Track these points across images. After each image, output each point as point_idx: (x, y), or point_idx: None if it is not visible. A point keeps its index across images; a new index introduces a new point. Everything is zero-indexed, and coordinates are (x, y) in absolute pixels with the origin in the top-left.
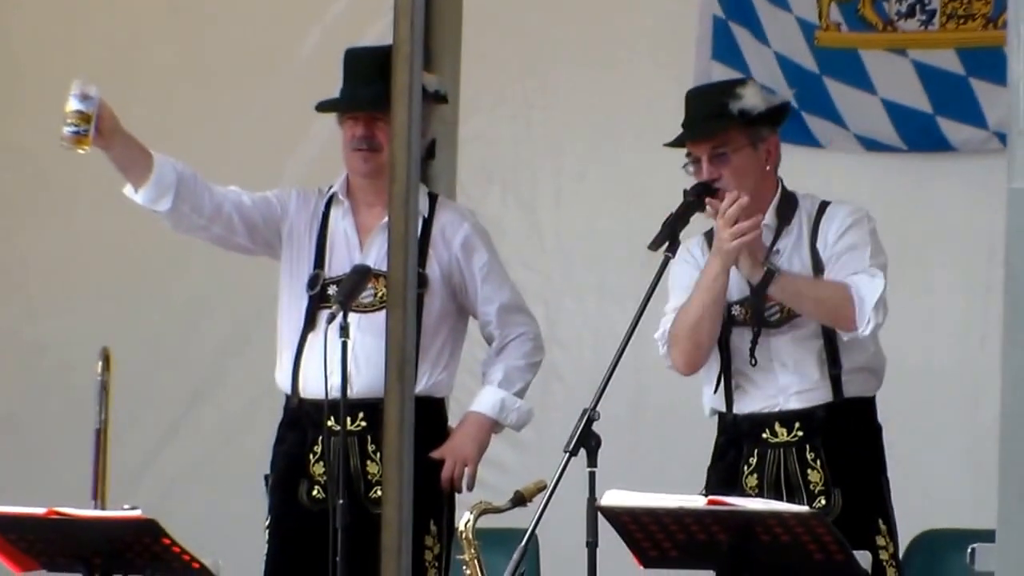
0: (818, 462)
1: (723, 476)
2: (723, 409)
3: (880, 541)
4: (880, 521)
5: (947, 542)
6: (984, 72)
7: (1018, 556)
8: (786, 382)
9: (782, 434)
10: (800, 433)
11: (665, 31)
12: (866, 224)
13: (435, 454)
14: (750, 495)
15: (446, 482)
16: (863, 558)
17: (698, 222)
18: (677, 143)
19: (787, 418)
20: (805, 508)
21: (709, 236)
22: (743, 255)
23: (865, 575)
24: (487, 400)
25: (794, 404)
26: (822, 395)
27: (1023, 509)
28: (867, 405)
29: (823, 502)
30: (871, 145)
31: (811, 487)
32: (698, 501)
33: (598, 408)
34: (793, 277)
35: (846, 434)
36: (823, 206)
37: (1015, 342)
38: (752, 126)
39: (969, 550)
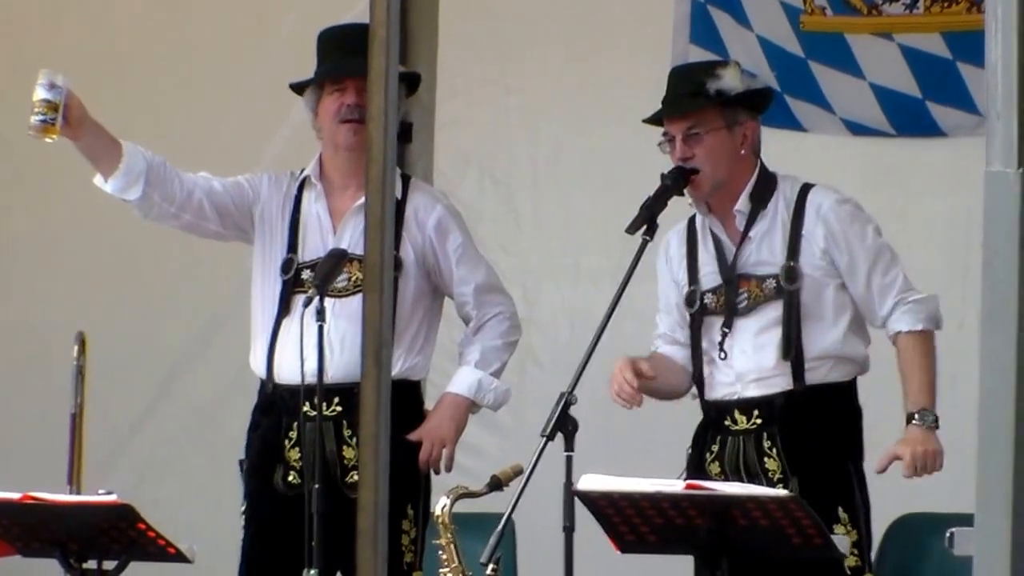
0: (774, 450)
1: (695, 461)
2: (699, 395)
3: (839, 530)
4: (841, 509)
5: (926, 526)
6: (970, 56)
7: (996, 539)
8: (744, 369)
9: (742, 421)
10: (758, 421)
11: (643, 14)
12: (869, 223)
13: (412, 436)
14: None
15: (424, 463)
16: (841, 542)
17: (677, 205)
18: (654, 119)
19: (746, 406)
20: (784, 492)
21: (692, 222)
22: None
23: (842, 558)
24: (464, 380)
25: (752, 392)
26: (781, 383)
27: (1001, 493)
28: (838, 391)
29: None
30: (858, 129)
31: (769, 475)
32: (676, 485)
33: (575, 392)
34: (926, 391)
35: (808, 422)
36: (805, 189)
37: (993, 325)
38: (729, 108)
39: (948, 534)
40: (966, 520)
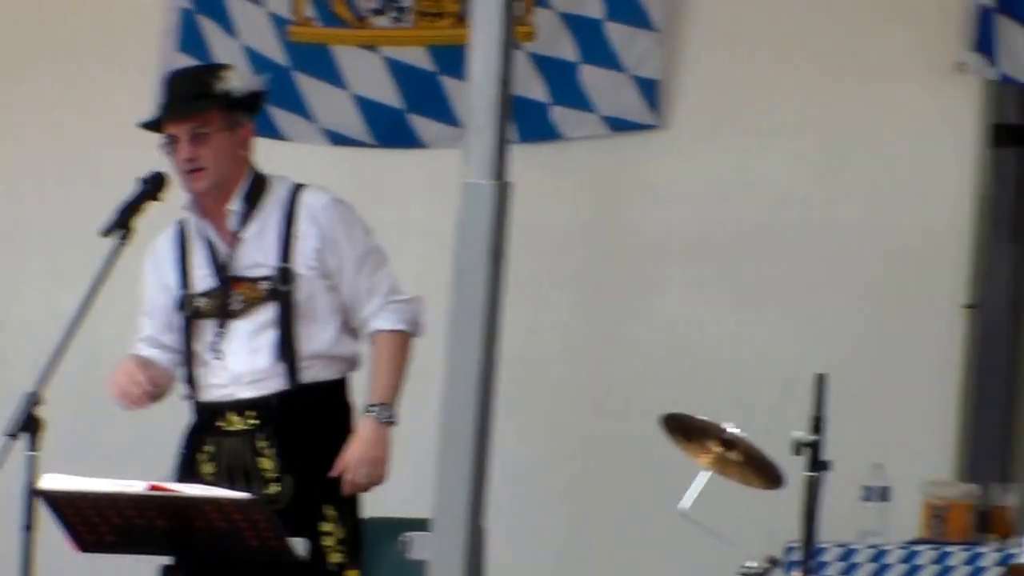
0: (269, 450)
1: (186, 463)
2: (190, 397)
3: (325, 527)
4: (328, 507)
5: (383, 530)
6: (453, 70)
7: (451, 545)
8: (240, 371)
9: (237, 422)
10: (254, 422)
11: (131, 22)
12: (359, 224)
13: None
14: (209, 482)
15: None
16: (299, 545)
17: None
18: (155, 124)
19: (241, 407)
20: (243, 495)
21: (182, 226)
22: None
23: (297, 561)
24: None
25: (247, 393)
26: (277, 383)
27: (457, 499)
28: (330, 389)
29: (276, 489)
30: (338, 139)
31: (264, 474)
32: (138, 486)
33: (44, 392)
34: (389, 387)
35: (301, 421)
36: (297, 189)
37: (459, 335)
38: (231, 110)
39: (404, 537)
40: (420, 525)
